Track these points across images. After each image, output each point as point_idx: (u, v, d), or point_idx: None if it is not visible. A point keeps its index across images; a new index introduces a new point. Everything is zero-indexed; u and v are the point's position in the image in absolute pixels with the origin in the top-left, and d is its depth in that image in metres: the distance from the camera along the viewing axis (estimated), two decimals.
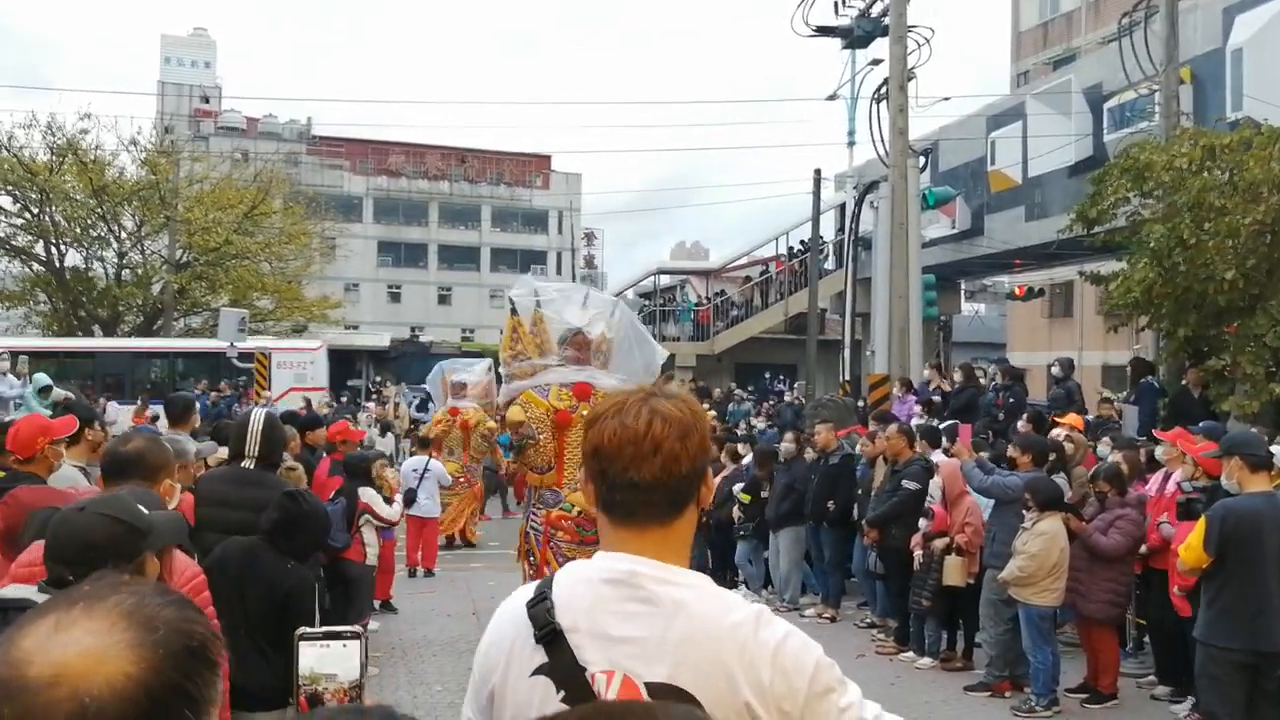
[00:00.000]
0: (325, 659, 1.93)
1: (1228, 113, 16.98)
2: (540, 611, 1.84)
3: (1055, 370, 14.15)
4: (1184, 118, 16.47)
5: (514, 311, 8.35)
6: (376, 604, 10.35)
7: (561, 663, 1.79)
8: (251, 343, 26.38)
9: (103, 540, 2.42)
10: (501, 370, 8.75)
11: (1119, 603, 8.27)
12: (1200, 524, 6.15)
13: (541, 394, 8.01)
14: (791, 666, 1.75)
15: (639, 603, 1.79)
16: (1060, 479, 8.75)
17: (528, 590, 1.93)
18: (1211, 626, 6.13)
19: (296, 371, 26.19)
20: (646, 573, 1.81)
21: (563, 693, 1.78)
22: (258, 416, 5.69)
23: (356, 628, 2.01)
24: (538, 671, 1.81)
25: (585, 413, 7.27)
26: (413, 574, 12.71)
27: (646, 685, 1.74)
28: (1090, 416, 12.94)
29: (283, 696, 3.86)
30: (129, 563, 2.40)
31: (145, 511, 2.55)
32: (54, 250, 32.02)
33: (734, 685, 1.73)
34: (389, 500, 9.30)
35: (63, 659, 1.08)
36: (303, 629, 1.98)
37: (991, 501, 8.92)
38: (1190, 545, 6.13)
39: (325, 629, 2.00)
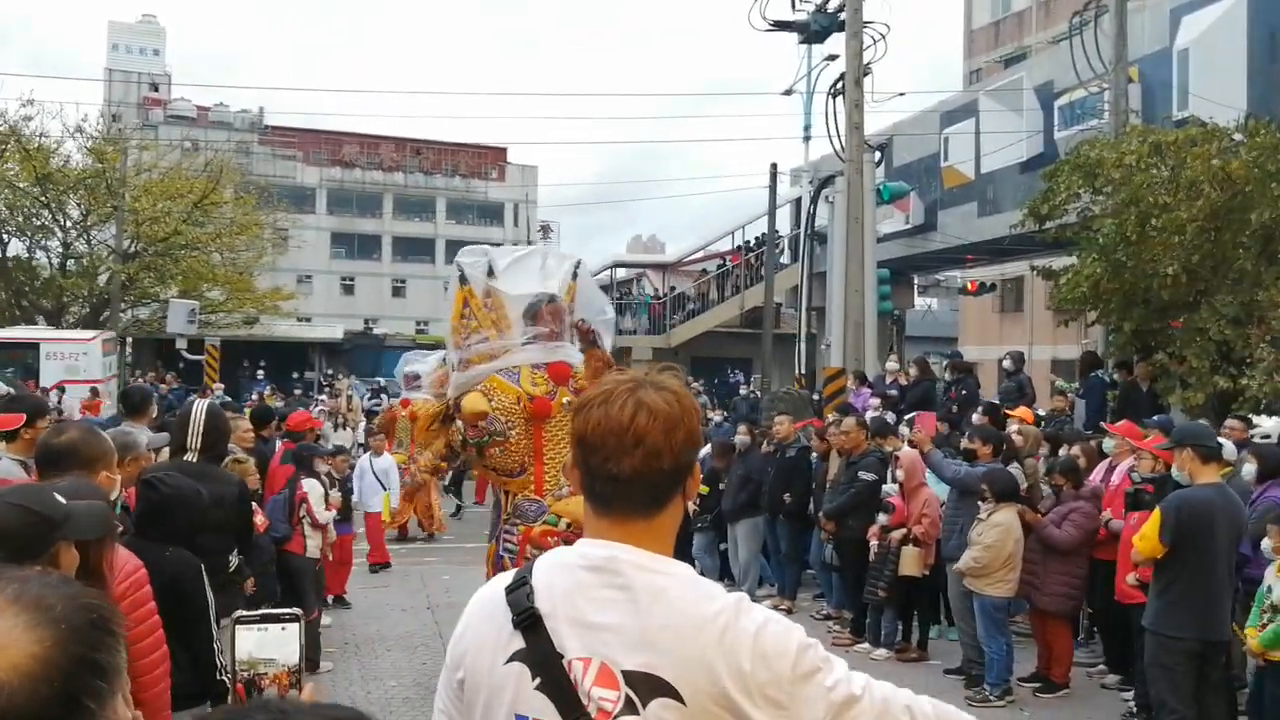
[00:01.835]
0: (264, 643, 1.89)
1: (1174, 111, 17.24)
2: (520, 596, 1.83)
3: (1007, 364, 14.33)
4: (1133, 115, 16.72)
5: (463, 280, 7.00)
6: (329, 599, 10.23)
7: (539, 649, 1.78)
8: (19, 331, 25.76)
9: (13, 530, 2.37)
10: (450, 355, 7.37)
11: (1073, 595, 8.37)
12: (1155, 515, 6.25)
13: (510, 378, 6.67)
14: (773, 652, 1.73)
15: (618, 590, 1.78)
16: (1015, 469, 8.86)
17: (506, 576, 1.92)
18: (1162, 615, 6.24)
19: (68, 363, 24.19)
20: (626, 559, 1.80)
21: (539, 679, 1.77)
22: (200, 408, 5.55)
23: (295, 610, 1.97)
24: (514, 658, 1.80)
25: (567, 400, 6.51)
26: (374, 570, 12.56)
27: (624, 673, 1.74)
28: (1041, 410, 13.12)
29: (199, 691, 3.75)
30: (41, 553, 2.35)
31: (62, 501, 2.50)
32: None
33: (713, 674, 1.72)
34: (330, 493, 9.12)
35: None
36: (239, 612, 1.95)
37: (946, 491, 9.01)
38: (1145, 535, 6.23)
39: (263, 611, 1.96)
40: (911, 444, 9.40)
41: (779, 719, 1.72)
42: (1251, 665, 6.94)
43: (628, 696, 1.73)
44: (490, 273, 6.99)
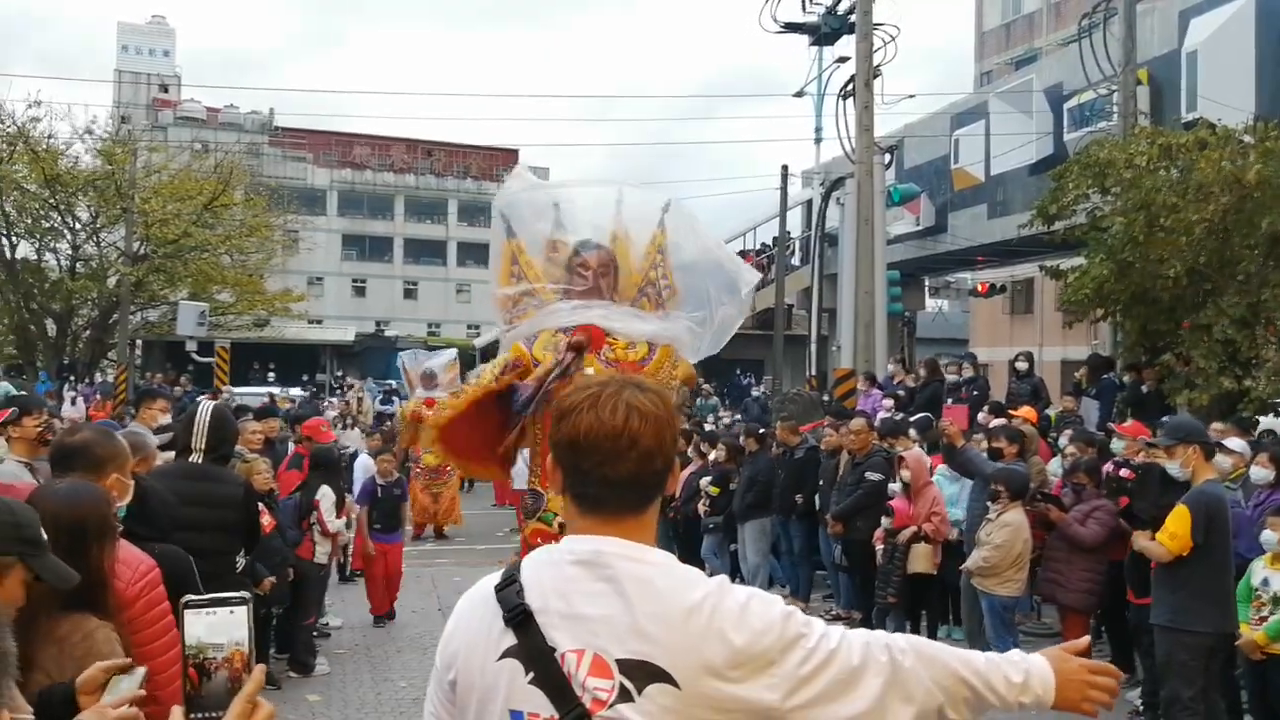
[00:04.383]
0: (214, 627, 1.91)
1: (1183, 113, 17.22)
2: (509, 594, 1.86)
3: (1021, 365, 14.31)
4: (1141, 117, 16.71)
5: (510, 233, 5.74)
6: (374, 619, 10.06)
7: (531, 644, 1.81)
8: None
9: None
10: (499, 324, 6.00)
11: (1096, 591, 8.37)
12: (1182, 513, 6.25)
13: (527, 346, 5.63)
14: (760, 626, 1.80)
15: (606, 582, 1.82)
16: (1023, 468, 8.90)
17: (494, 575, 1.95)
18: (1181, 612, 6.26)
19: None
20: (612, 551, 1.84)
21: (531, 674, 1.81)
22: (205, 409, 5.57)
23: (244, 594, 1.99)
24: (505, 655, 1.83)
25: (590, 371, 5.20)
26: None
27: (618, 662, 1.78)
28: (1053, 410, 13.13)
29: None
30: None
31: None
32: (4, 241, 31.28)
33: (704, 656, 1.76)
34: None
35: None
36: (187, 596, 1.96)
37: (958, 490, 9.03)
38: (1176, 535, 6.22)
39: (211, 595, 1.97)
40: (944, 437, 9.38)
41: (770, 686, 1.78)
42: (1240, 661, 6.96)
43: (622, 685, 1.77)
44: (558, 211, 5.68)
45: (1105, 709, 2.00)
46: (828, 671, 1.81)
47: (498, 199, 5.99)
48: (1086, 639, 2.11)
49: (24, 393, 13.14)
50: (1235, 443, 7.95)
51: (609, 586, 1.81)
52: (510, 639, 1.83)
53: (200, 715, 1.84)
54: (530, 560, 1.94)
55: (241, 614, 1.91)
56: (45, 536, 2.53)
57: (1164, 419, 9.42)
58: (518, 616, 1.83)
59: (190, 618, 1.89)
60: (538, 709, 1.80)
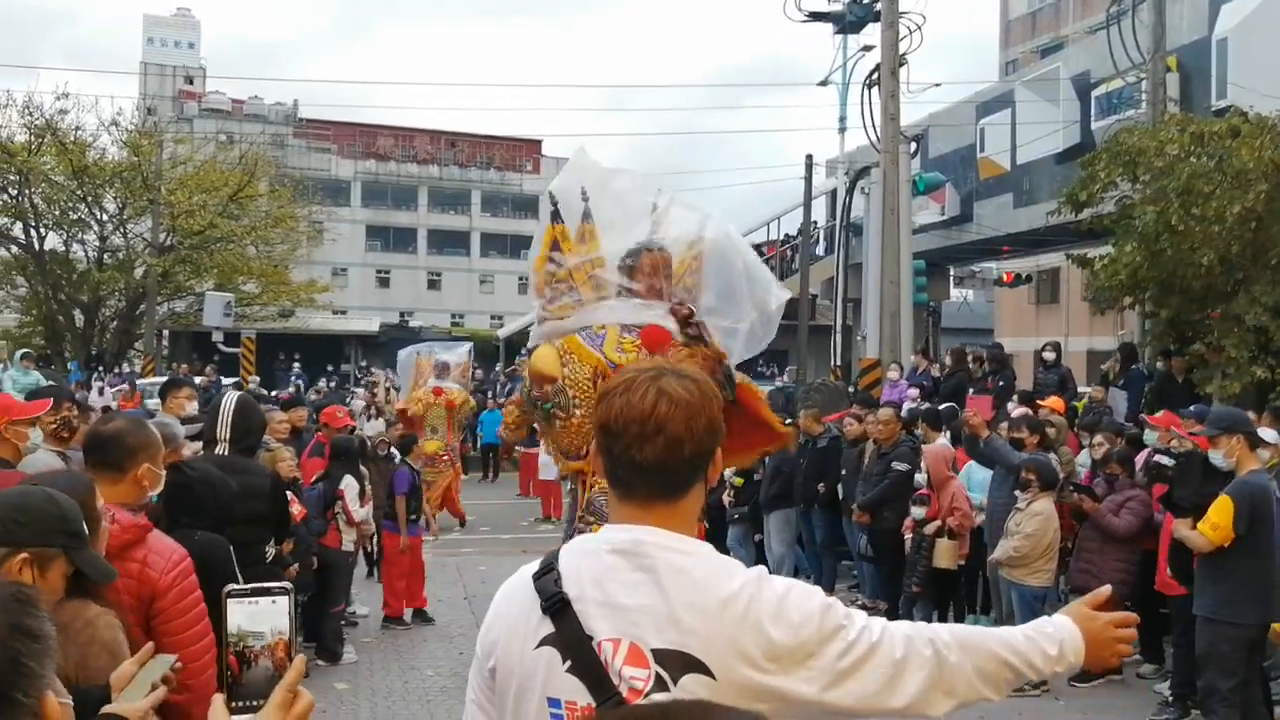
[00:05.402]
0: (255, 616, 1.92)
1: (1213, 100, 17.06)
2: (547, 582, 1.87)
3: (1048, 355, 14.23)
4: (1171, 105, 16.54)
5: (556, 216, 5.64)
6: (407, 614, 9.88)
7: (568, 632, 1.82)
8: None
9: None
10: (534, 306, 5.91)
11: (1129, 581, 8.32)
12: (1225, 503, 6.20)
13: (592, 342, 5.39)
14: (799, 618, 1.79)
15: (643, 571, 1.82)
16: (1053, 459, 8.84)
17: (533, 564, 1.96)
18: (1223, 604, 6.23)
19: None
20: (650, 540, 1.84)
21: (569, 662, 1.81)
22: (229, 400, 5.49)
23: (285, 583, 1.99)
24: (543, 642, 1.84)
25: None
26: None
27: (654, 652, 1.78)
28: (1083, 397, 13.05)
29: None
30: None
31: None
32: (33, 233, 31.58)
33: (740, 647, 1.76)
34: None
35: None
36: (229, 586, 1.97)
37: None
38: (1218, 525, 6.18)
39: (253, 585, 1.98)
40: (967, 427, 9.32)
41: (808, 679, 1.78)
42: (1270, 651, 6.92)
43: (658, 674, 1.77)
44: (586, 213, 5.60)
45: (1126, 657, 2.05)
46: (868, 664, 1.81)
47: (556, 182, 5.82)
48: (1108, 588, 2.13)
49: (53, 383, 13.28)
50: (1268, 433, 7.86)
51: (646, 576, 1.82)
52: (548, 627, 1.84)
53: (241, 703, 1.84)
54: (568, 549, 1.94)
55: (283, 603, 1.92)
56: (86, 530, 2.54)
57: (1191, 407, 9.36)
58: (555, 605, 1.84)
59: (233, 606, 1.90)
60: (575, 697, 1.80)
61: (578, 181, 5.66)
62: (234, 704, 1.84)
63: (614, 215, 5.67)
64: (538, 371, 5.47)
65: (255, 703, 1.82)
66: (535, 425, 6.28)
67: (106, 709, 2.21)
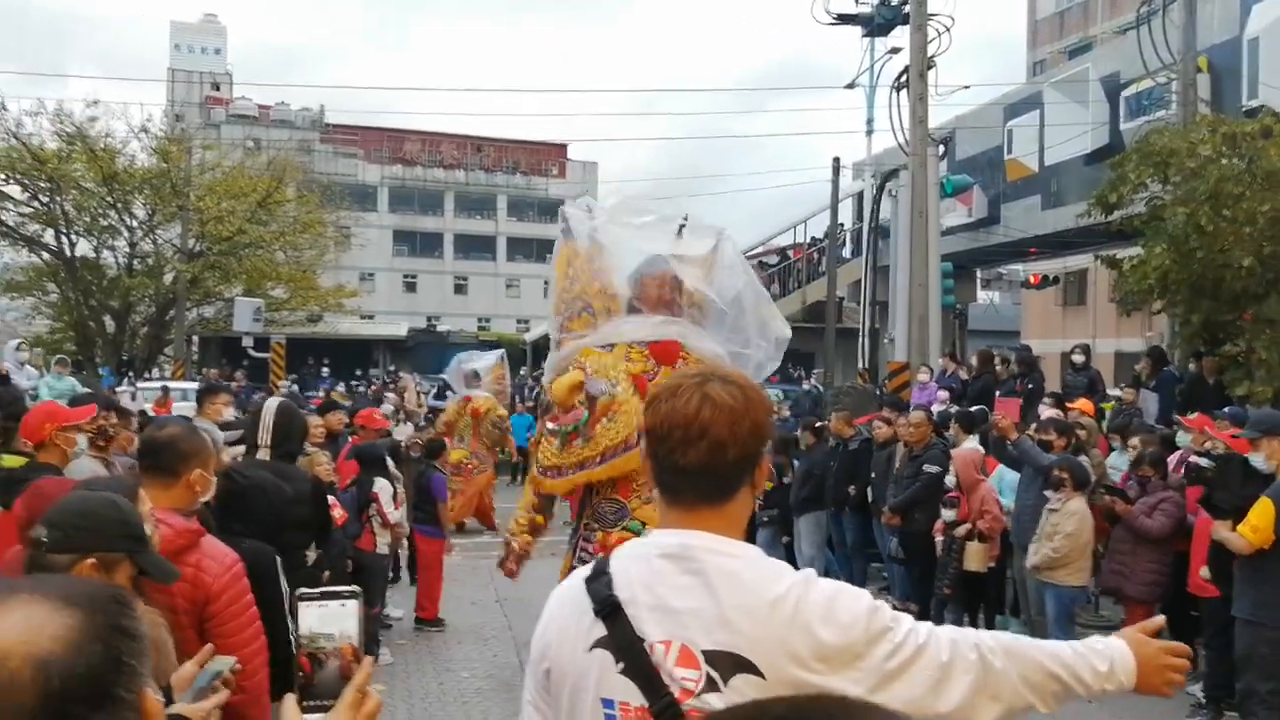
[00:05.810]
0: (325, 618, 1.98)
1: (1244, 101, 16.94)
2: (600, 586, 1.91)
3: (1077, 358, 14.18)
4: (1202, 105, 16.44)
5: (567, 233, 5.76)
6: (416, 620, 9.98)
7: (620, 635, 1.86)
8: None
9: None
10: (551, 328, 6.02)
11: (1161, 583, 8.32)
12: (1266, 506, 6.19)
13: (605, 351, 5.58)
14: (847, 621, 1.82)
15: (692, 575, 1.86)
16: (1084, 461, 8.84)
17: (585, 569, 2.00)
18: (1263, 606, 6.22)
19: None
20: (698, 544, 1.88)
21: (622, 664, 1.86)
22: (270, 405, 5.43)
23: (355, 587, 2.06)
24: (596, 645, 1.88)
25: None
26: None
27: (704, 653, 1.82)
28: (1111, 399, 13.01)
29: (273, 677, 3.75)
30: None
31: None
32: (64, 239, 31.81)
33: (789, 647, 1.80)
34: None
35: (3, 639, 1.17)
36: (300, 589, 2.04)
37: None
38: (1258, 528, 6.17)
39: (322, 589, 2.05)
40: (995, 430, 9.32)
41: (856, 680, 1.80)
42: None
43: (709, 675, 1.81)
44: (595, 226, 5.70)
45: (1179, 688, 2.03)
46: (915, 666, 1.83)
47: (568, 205, 5.97)
48: (1161, 619, 2.15)
49: (89, 390, 13.42)
50: None
51: (696, 580, 1.85)
52: (600, 630, 1.88)
53: (312, 703, 1.91)
54: (619, 554, 1.98)
55: (352, 606, 1.98)
56: (149, 533, 2.61)
57: (1225, 410, 9.33)
58: (607, 608, 1.88)
59: (303, 609, 1.96)
60: (628, 698, 1.84)
61: (585, 203, 5.85)
62: (305, 703, 1.90)
63: (623, 233, 5.76)
64: (562, 392, 5.54)
65: (326, 703, 1.88)
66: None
67: (171, 709, 2.27)
